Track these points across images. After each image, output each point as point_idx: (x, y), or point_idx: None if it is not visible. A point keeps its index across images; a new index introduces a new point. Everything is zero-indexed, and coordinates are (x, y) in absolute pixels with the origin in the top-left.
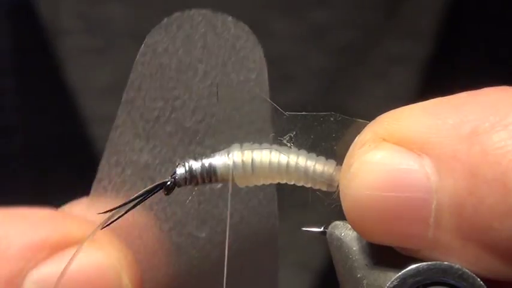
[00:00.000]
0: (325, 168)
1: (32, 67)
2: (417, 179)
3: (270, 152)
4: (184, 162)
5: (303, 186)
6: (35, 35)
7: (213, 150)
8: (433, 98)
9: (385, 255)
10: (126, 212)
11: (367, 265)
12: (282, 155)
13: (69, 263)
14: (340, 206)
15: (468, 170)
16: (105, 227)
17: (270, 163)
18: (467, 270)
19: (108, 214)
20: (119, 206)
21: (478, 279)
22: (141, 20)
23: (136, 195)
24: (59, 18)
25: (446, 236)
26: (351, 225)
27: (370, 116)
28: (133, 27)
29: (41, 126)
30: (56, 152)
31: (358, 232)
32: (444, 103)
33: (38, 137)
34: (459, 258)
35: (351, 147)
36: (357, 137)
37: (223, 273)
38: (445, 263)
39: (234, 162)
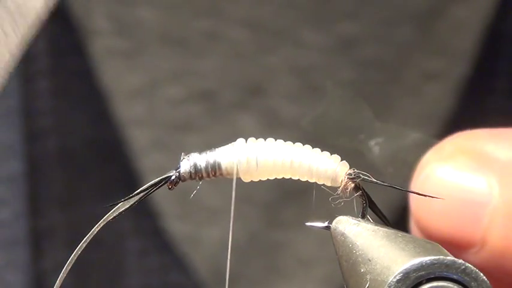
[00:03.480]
0: (330, 164)
1: (66, 69)
2: (480, 188)
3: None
4: (188, 156)
5: (307, 181)
6: (68, 37)
7: None
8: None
9: (388, 250)
10: (130, 206)
11: (370, 260)
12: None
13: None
14: (344, 201)
15: None
16: (108, 221)
17: (275, 158)
18: (470, 265)
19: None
20: (123, 200)
21: (481, 273)
22: (172, 22)
23: (140, 189)
24: (91, 20)
25: (495, 240)
26: (414, 222)
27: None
28: (164, 30)
29: (75, 129)
30: (90, 154)
31: (418, 228)
32: None
33: (72, 139)
34: (502, 264)
35: (428, 153)
36: (434, 146)
37: None
38: (448, 257)
39: (238, 157)
